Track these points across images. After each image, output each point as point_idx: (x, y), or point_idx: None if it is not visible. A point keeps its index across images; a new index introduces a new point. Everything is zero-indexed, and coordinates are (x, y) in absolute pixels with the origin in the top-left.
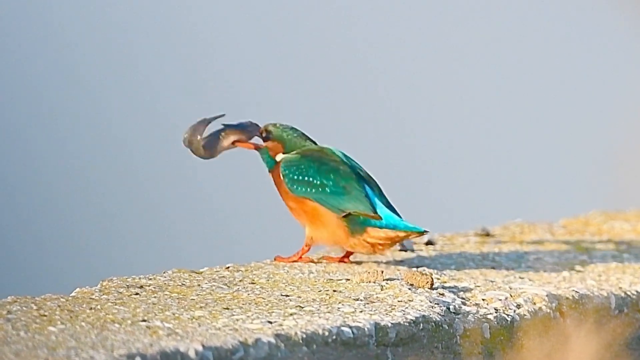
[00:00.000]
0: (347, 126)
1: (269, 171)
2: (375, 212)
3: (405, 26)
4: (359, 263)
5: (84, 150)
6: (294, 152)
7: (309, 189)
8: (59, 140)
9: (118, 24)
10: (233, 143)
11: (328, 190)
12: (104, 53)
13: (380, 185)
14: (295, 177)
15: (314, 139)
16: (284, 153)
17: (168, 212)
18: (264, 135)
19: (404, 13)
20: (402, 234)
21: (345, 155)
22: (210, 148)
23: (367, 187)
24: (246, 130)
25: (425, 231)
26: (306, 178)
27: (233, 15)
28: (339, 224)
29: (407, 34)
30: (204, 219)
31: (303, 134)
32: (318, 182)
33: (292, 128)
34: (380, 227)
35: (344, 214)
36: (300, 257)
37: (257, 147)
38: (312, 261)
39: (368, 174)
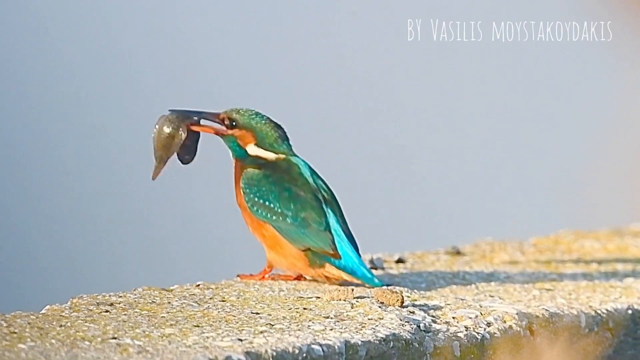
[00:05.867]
0: (323, 137)
1: (236, 159)
2: (336, 250)
3: (384, 54)
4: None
5: (49, 166)
6: (256, 166)
7: (269, 215)
8: (19, 151)
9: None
10: (189, 127)
11: (289, 221)
12: (96, 60)
13: (342, 208)
14: (257, 199)
15: (280, 123)
16: (256, 144)
17: (138, 230)
18: (226, 122)
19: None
20: (357, 281)
21: (311, 171)
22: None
23: (328, 215)
24: (190, 115)
25: (380, 285)
26: (267, 203)
27: (227, 16)
28: (299, 256)
29: (385, 57)
30: (174, 236)
31: (269, 119)
32: (279, 211)
33: (256, 114)
34: (338, 268)
35: (304, 248)
36: (262, 278)
37: (219, 133)
38: (273, 279)
39: (332, 194)
